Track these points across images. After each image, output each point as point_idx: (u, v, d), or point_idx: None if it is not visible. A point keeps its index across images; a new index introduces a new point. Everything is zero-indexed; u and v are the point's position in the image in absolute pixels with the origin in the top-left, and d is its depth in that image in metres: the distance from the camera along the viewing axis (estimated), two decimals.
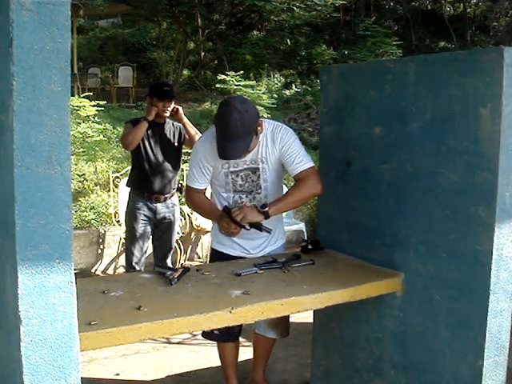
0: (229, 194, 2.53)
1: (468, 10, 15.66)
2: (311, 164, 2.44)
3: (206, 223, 4.80)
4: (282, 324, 2.70)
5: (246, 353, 3.00)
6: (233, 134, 2.25)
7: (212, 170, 2.49)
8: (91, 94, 7.74)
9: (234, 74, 8.47)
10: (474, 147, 1.93)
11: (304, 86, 11.04)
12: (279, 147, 2.45)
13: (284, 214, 5.38)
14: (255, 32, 13.57)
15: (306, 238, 4.76)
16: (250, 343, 2.94)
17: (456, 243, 2.02)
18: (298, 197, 2.44)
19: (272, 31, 13.25)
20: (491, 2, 14.91)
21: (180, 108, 3.78)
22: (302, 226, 5.33)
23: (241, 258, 2.54)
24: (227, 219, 2.40)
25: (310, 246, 2.55)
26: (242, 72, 8.88)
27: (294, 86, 11.17)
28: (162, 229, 3.88)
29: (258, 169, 2.49)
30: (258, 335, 2.78)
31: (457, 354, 2.04)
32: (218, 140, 2.32)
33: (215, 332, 2.61)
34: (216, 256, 2.61)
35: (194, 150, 2.55)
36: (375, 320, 2.39)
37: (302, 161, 2.42)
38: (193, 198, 2.57)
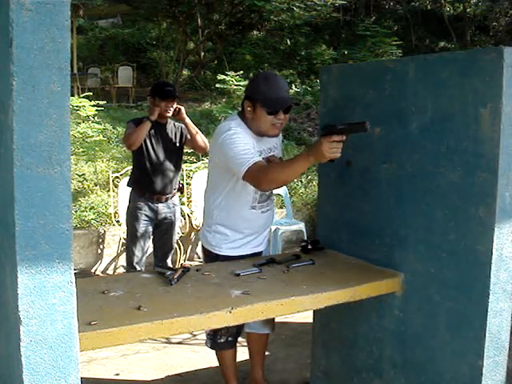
0: (249, 191, 2.46)
1: (468, 10, 15.66)
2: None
3: None
4: (272, 318, 2.71)
5: (245, 353, 3.00)
6: (283, 84, 2.45)
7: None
8: (91, 94, 7.74)
9: (233, 73, 8.47)
10: (473, 147, 1.93)
11: (304, 86, 11.03)
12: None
13: (284, 213, 5.38)
14: (255, 32, 13.57)
15: (305, 238, 4.76)
16: None
17: (456, 243, 2.02)
18: None
19: (272, 31, 13.24)
20: (491, 2, 14.92)
21: (182, 108, 3.79)
22: (301, 226, 5.32)
23: (252, 254, 2.55)
24: (331, 138, 2.08)
25: (309, 246, 2.55)
26: (241, 72, 8.87)
27: (293, 86, 11.17)
28: (162, 229, 3.89)
29: (273, 156, 2.58)
30: (251, 333, 2.78)
31: (457, 354, 2.04)
32: (274, 94, 2.37)
33: (229, 339, 2.65)
34: (228, 260, 2.48)
35: (230, 137, 2.31)
36: (375, 320, 2.39)
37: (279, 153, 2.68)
38: (266, 171, 2.23)
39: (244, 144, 2.31)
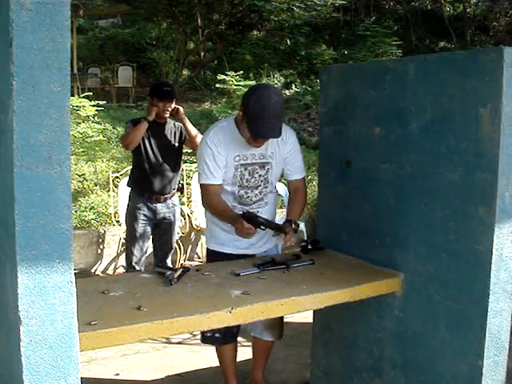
0: (233, 189, 2.53)
1: (468, 10, 15.65)
2: (305, 173, 2.72)
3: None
4: (277, 325, 2.72)
5: (245, 353, 3.00)
6: (273, 112, 2.32)
7: (225, 163, 2.47)
8: (91, 94, 7.74)
9: (233, 73, 8.48)
10: (474, 147, 1.93)
11: (304, 86, 11.04)
12: (289, 148, 2.58)
13: (284, 213, 5.36)
14: (255, 32, 13.57)
15: (305, 238, 4.76)
16: (250, 343, 2.94)
17: (456, 243, 2.02)
18: (302, 208, 2.69)
19: (272, 31, 13.25)
20: (491, 2, 14.91)
21: (181, 108, 3.78)
22: (301, 226, 5.32)
23: (242, 255, 2.54)
24: (245, 222, 2.38)
25: (309, 246, 2.55)
26: (241, 72, 8.89)
27: (293, 85, 11.17)
28: (162, 229, 3.88)
29: (269, 163, 2.56)
30: (256, 338, 2.78)
31: (457, 354, 2.04)
32: (257, 120, 2.32)
33: (216, 335, 2.64)
34: (216, 257, 2.59)
35: (204, 145, 2.47)
36: (375, 320, 2.39)
37: (302, 169, 2.68)
38: (211, 198, 2.49)
39: (215, 160, 2.44)
